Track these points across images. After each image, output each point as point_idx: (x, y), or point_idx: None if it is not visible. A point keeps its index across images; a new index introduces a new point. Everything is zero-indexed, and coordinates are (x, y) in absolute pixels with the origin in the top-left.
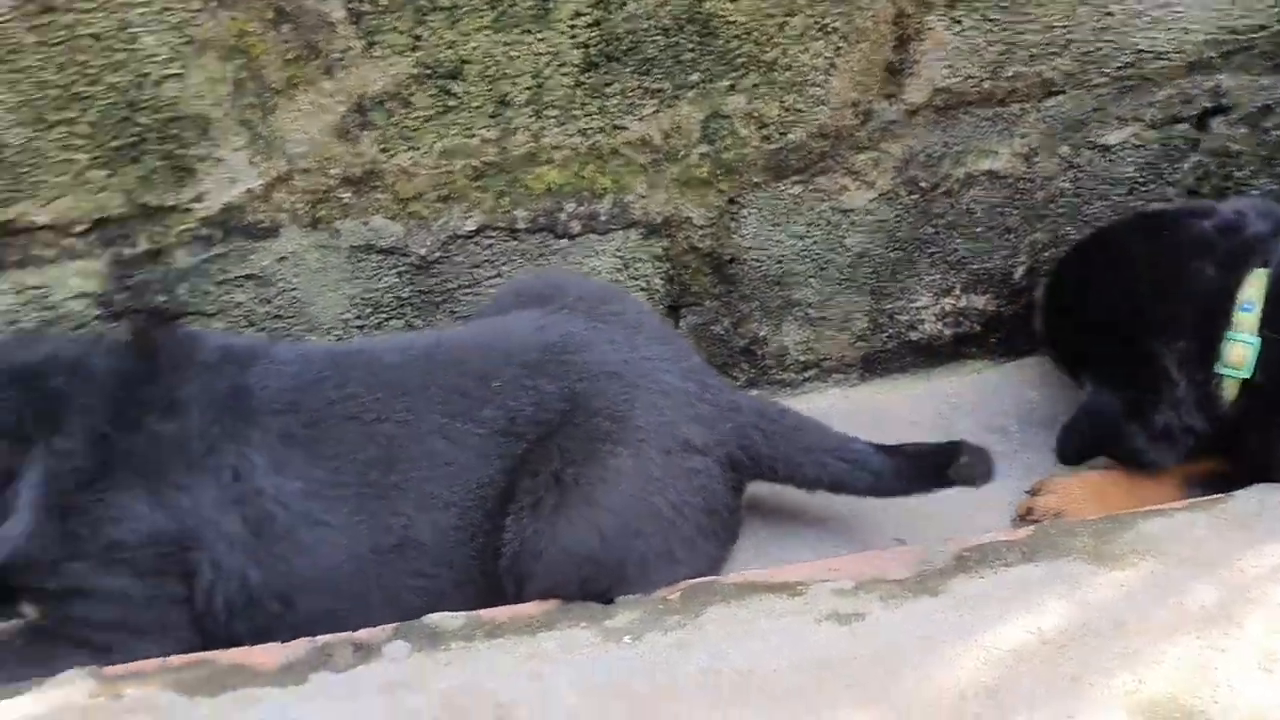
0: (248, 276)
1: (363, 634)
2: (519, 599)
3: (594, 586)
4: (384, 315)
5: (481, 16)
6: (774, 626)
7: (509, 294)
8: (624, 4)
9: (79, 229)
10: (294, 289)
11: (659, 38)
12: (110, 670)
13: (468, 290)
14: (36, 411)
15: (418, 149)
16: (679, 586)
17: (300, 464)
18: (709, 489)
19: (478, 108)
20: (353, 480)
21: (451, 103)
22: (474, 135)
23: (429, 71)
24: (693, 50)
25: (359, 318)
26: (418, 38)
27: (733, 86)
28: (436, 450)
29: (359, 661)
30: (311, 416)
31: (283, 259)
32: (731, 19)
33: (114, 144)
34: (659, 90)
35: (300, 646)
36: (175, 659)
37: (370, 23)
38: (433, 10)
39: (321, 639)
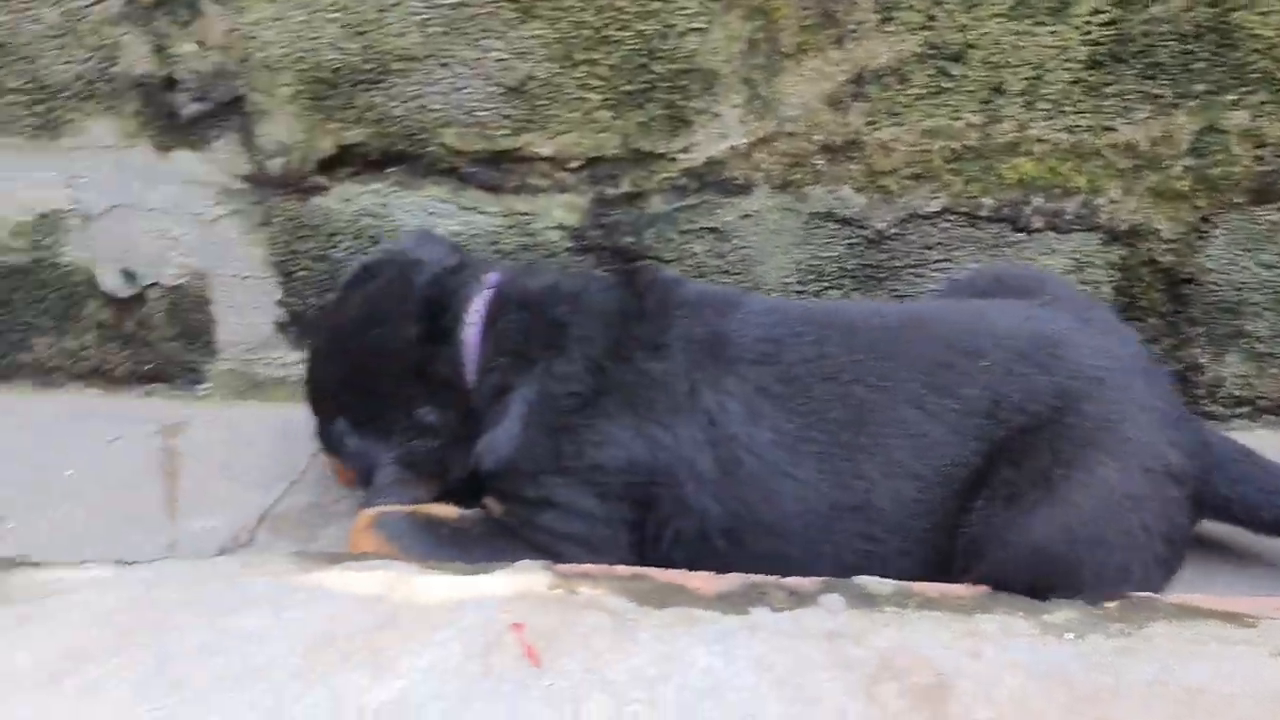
0: (710, 229)
1: (792, 581)
2: (963, 578)
3: (1043, 584)
4: (825, 283)
5: (998, 3)
6: (1225, 653)
7: (987, 278)
8: (1147, 5)
9: (574, 165)
10: (748, 247)
11: (1173, 43)
12: (562, 568)
13: (912, 270)
14: (540, 335)
15: (902, 125)
16: (1117, 597)
17: (773, 415)
18: (1175, 517)
19: (971, 92)
20: (822, 438)
21: (947, 84)
22: (960, 118)
23: (934, 51)
24: (1205, 60)
25: (800, 283)
26: (931, 18)
27: (1237, 101)
28: (909, 420)
29: (795, 605)
30: (787, 370)
31: (746, 216)
32: (1256, 32)
33: (626, 88)
34: (1158, 96)
35: (735, 580)
36: (619, 569)
37: None
38: None
39: (754, 578)
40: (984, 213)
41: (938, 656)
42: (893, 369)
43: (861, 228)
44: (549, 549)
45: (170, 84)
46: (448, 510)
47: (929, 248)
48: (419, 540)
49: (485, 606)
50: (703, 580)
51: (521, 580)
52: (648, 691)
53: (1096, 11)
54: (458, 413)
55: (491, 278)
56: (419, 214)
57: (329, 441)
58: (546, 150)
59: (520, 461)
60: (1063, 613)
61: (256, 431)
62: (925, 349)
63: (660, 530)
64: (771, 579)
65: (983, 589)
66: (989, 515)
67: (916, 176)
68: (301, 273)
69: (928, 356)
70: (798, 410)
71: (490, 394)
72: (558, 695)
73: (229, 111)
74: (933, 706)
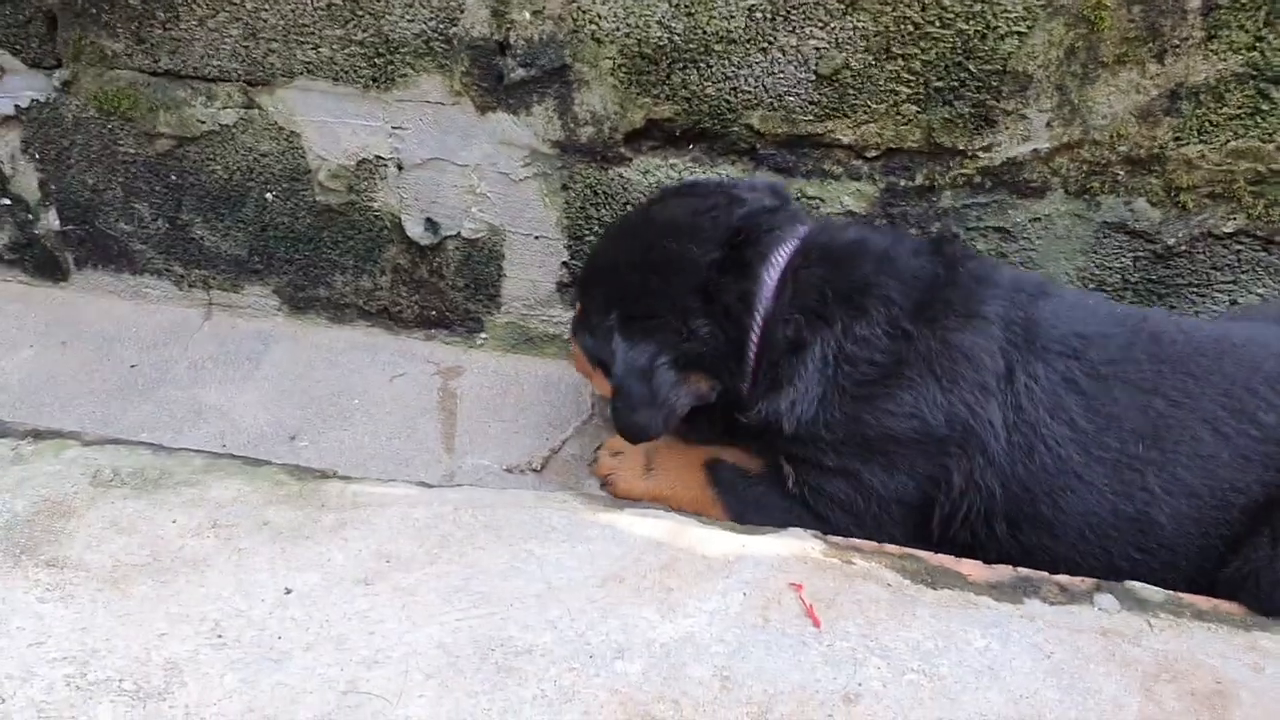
0: (998, 229)
1: (1063, 578)
2: None
3: None
4: (1106, 293)
5: None
6: None
7: None
8: None
9: (871, 154)
10: (1033, 249)
11: None
12: (834, 539)
13: (1196, 289)
14: (841, 293)
15: (1209, 144)
16: None
17: (1073, 411)
18: None
19: None
20: (1115, 444)
21: (1264, 106)
22: (1272, 141)
23: (1255, 73)
24: None
25: (1081, 290)
26: (1259, 39)
27: None
28: (1202, 439)
29: (1069, 601)
30: (1093, 368)
31: (1036, 219)
32: None
33: (937, 84)
34: None
35: (1005, 571)
36: (889, 546)
37: (1220, 16)
38: None
39: (1024, 571)
40: None
41: (1217, 665)
42: (1194, 386)
43: (1151, 241)
44: (825, 517)
45: (502, 48)
46: (754, 465)
47: (1217, 268)
48: (734, 495)
49: (762, 564)
50: (973, 568)
51: (795, 545)
52: (926, 663)
53: None
54: (730, 342)
55: (802, 228)
56: None
57: (591, 331)
58: (847, 138)
59: (822, 428)
60: None
61: (528, 382)
62: (1231, 370)
63: (947, 510)
64: (1042, 574)
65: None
66: (1271, 555)
67: (1214, 195)
68: (590, 237)
69: (1232, 378)
70: (1097, 411)
71: (783, 346)
72: (837, 655)
73: (552, 79)
74: (1213, 712)
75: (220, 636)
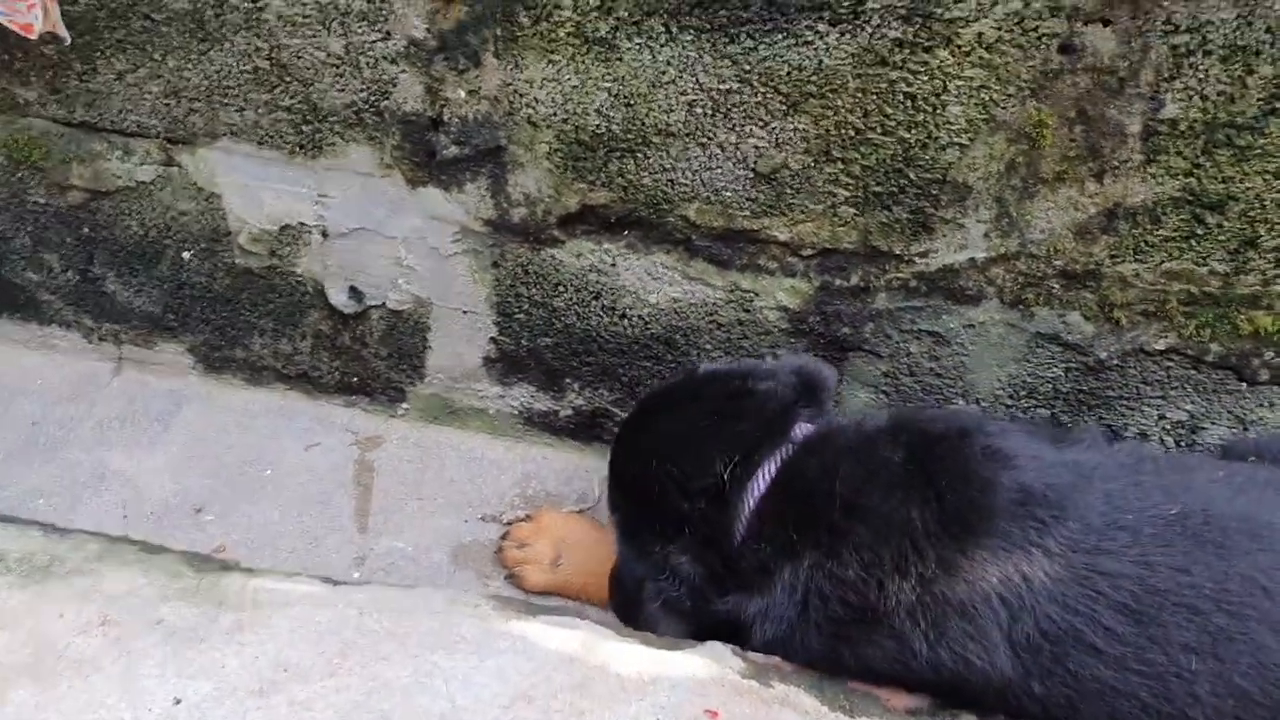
0: (930, 333)
1: None
2: None
3: None
4: (1035, 401)
5: (1273, 160)
6: None
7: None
8: None
9: (807, 253)
10: (965, 354)
11: None
12: (755, 657)
13: (1126, 402)
14: (807, 528)
15: (1144, 263)
16: None
17: (1110, 629)
18: None
19: (1221, 242)
20: (1162, 660)
21: (1199, 231)
22: (1205, 265)
23: (1191, 198)
24: None
25: (1011, 397)
26: (1197, 165)
27: None
28: (1266, 646)
29: None
30: (1141, 584)
31: (970, 326)
32: None
33: (875, 189)
34: None
35: (924, 700)
36: (810, 671)
37: (1159, 143)
38: (1225, 146)
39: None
40: (1209, 359)
41: None
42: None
43: (1083, 354)
44: None
45: (436, 124)
46: None
47: (1147, 383)
48: None
49: (678, 687)
50: (894, 694)
51: (714, 666)
52: None
53: None
54: (709, 573)
55: (798, 432)
56: (644, 277)
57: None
58: (783, 235)
59: (793, 647)
60: None
61: (450, 457)
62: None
63: None
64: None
65: None
66: None
67: (1147, 314)
68: (520, 315)
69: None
70: (1141, 628)
71: (752, 564)
72: None
73: (485, 159)
74: None
75: None
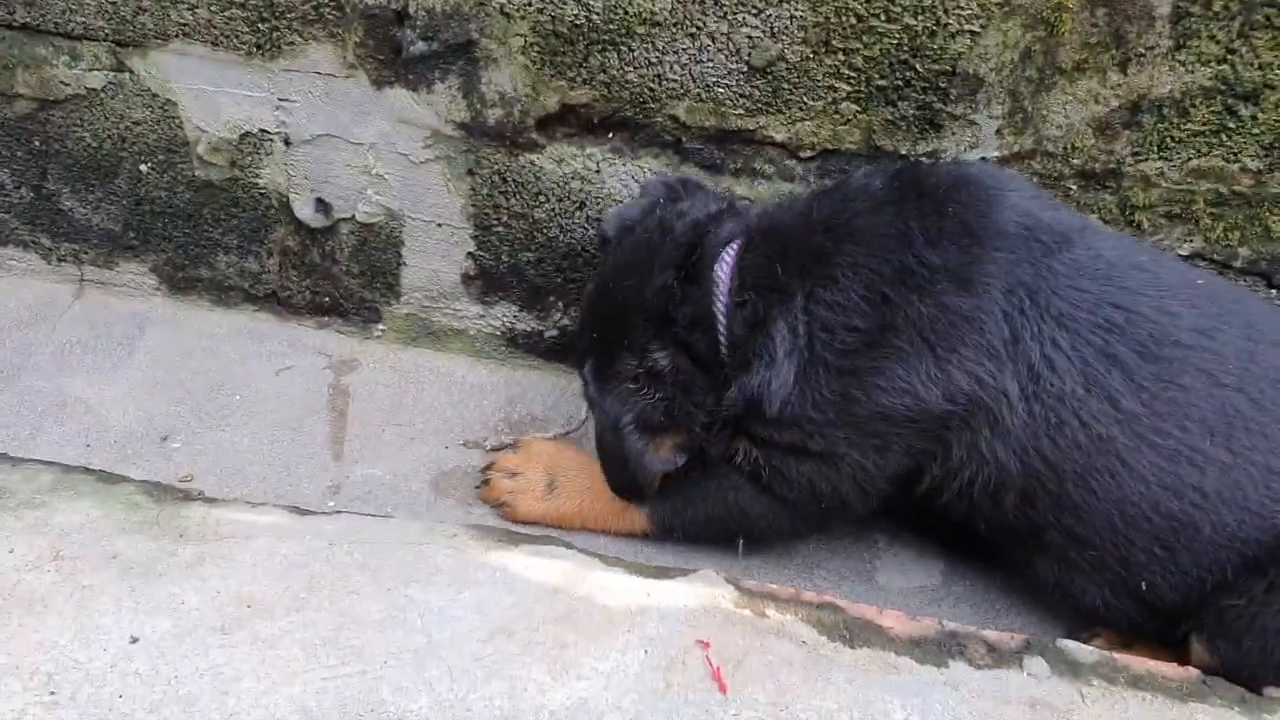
0: None
1: (992, 635)
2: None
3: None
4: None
5: None
6: None
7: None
8: None
9: (806, 154)
10: None
11: None
12: (749, 585)
13: None
14: (793, 263)
15: (1170, 161)
16: None
17: (1115, 389)
18: None
19: (1255, 135)
20: (1177, 433)
21: (1231, 124)
22: (1237, 162)
23: (1225, 87)
24: None
25: None
26: (1231, 50)
27: None
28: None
29: (995, 664)
30: (1145, 347)
31: None
32: None
33: (880, 82)
34: None
35: (930, 626)
36: (808, 595)
37: (1190, 25)
38: (1265, 28)
39: (951, 626)
40: (1238, 263)
41: None
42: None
43: None
44: (789, 501)
45: (400, 18)
46: None
47: None
48: (660, 494)
49: (668, 617)
50: (896, 620)
51: (705, 593)
52: None
53: None
54: (695, 359)
55: (753, 214)
56: (631, 184)
57: (585, 391)
58: (780, 136)
59: (810, 409)
60: None
61: (428, 381)
62: None
63: (944, 482)
64: (971, 630)
65: (1192, 672)
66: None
67: (1172, 216)
68: (499, 228)
69: None
70: (1154, 395)
71: (744, 330)
72: None
73: (456, 55)
74: None
75: (53, 694)
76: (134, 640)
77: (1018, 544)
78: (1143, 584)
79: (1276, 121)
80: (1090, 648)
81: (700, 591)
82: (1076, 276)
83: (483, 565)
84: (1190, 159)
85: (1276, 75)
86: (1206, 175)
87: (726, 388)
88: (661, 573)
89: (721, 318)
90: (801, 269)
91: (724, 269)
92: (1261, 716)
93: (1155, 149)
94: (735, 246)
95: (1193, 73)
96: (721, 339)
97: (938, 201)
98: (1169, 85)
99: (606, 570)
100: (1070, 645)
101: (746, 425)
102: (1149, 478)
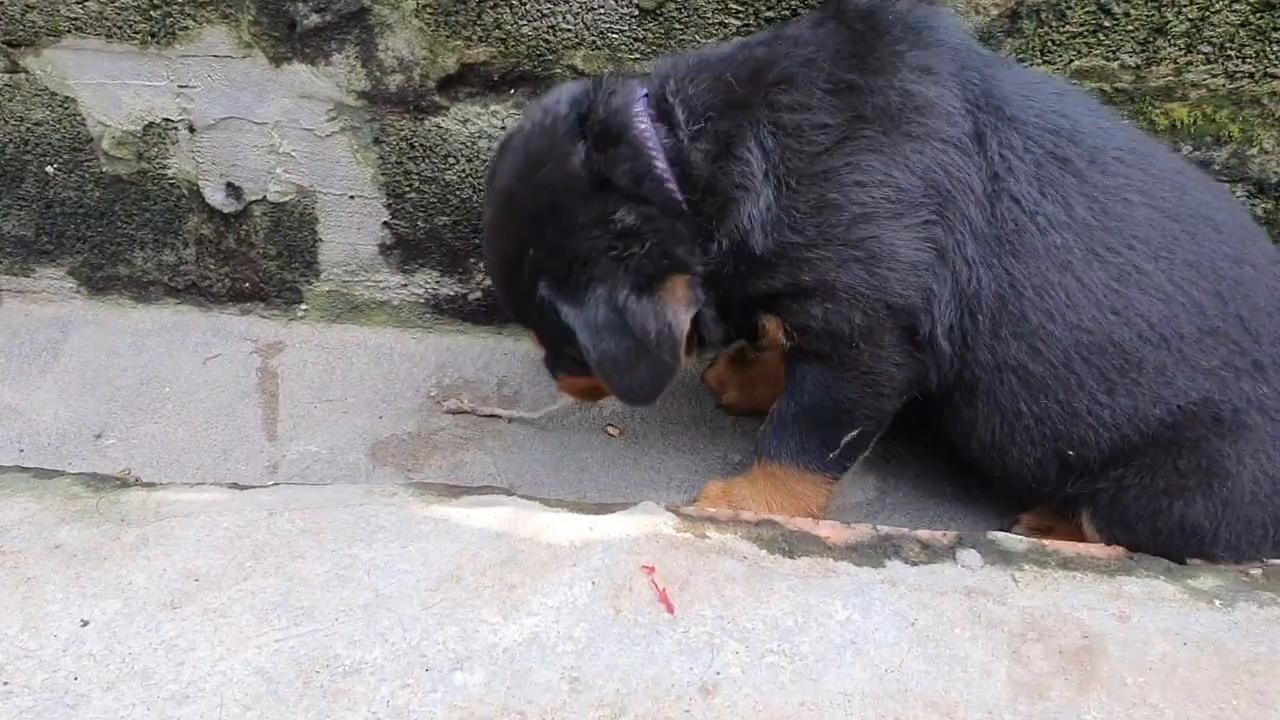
0: None
1: (925, 534)
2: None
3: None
4: None
5: None
6: None
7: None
8: None
9: None
10: None
11: None
12: (688, 510)
13: None
14: (744, 79)
15: (1053, 64)
16: (1256, 565)
17: (1069, 193)
18: None
19: (1130, 32)
20: (1124, 248)
21: (1106, 23)
22: (1116, 59)
23: None
24: None
25: None
26: None
27: None
28: (1203, 305)
29: (930, 560)
30: (1094, 156)
31: None
32: None
33: (768, 14)
34: None
35: (865, 532)
36: (745, 514)
37: None
38: None
39: (885, 529)
40: None
41: (1084, 618)
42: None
43: None
44: (843, 359)
45: None
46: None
47: None
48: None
49: (611, 548)
50: (832, 530)
51: (647, 521)
52: (786, 642)
53: None
54: (662, 208)
55: (659, 66)
56: None
57: (541, 328)
58: None
59: (788, 231)
60: (1206, 578)
61: (356, 355)
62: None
63: (938, 311)
64: (904, 531)
65: (1119, 550)
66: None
67: None
68: (411, 194)
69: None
70: (1103, 207)
71: (708, 162)
72: (693, 642)
73: (350, 24)
74: (1081, 668)
75: (6, 684)
76: (84, 623)
77: (969, 402)
78: (1072, 448)
79: (1148, 16)
80: (1020, 537)
81: (642, 521)
82: (1019, 84)
83: (425, 519)
84: (1072, 60)
85: None
86: (1090, 74)
87: (711, 241)
88: (604, 508)
89: (662, 164)
90: (754, 80)
91: (642, 120)
92: (1186, 581)
93: (1039, 53)
94: (642, 94)
95: None
96: (672, 187)
97: (877, 15)
98: None
99: (549, 511)
100: (1001, 536)
101: (747, 286)
102: (1101, 299)
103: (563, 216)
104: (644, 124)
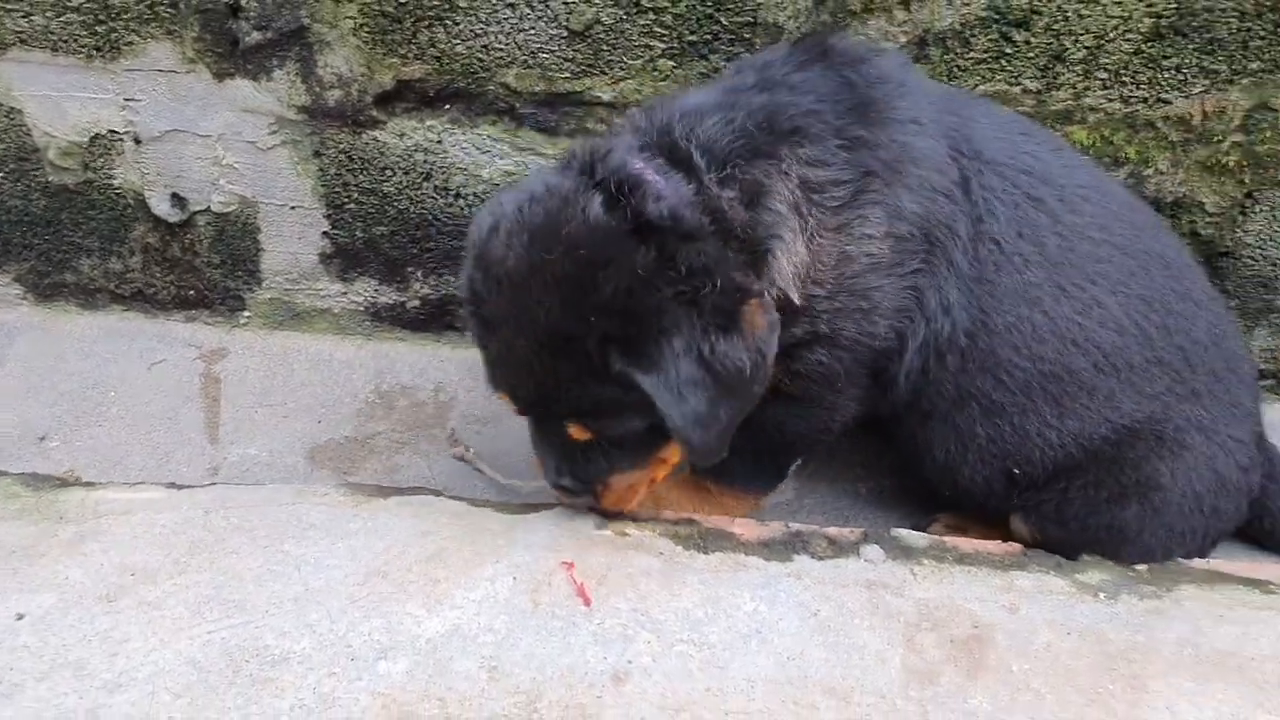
0: None
1: (833, 531)
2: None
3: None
4: None
5: None
6: (1253, 617)
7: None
8: None
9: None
10: None
11: (1234, 20)
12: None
13: None
14: (762, 125)
15: (961, 88)
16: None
17: (1043, 232)
18: (1239, 509)
19: (1031, 59)
20: (1089, 286)
21: (1008, 50)
22: (1018, 84)
23: (998, 16)
24: (1263, 38)
25: None
26: None
27: None
28: (1152, 339)
29: (836, 555)
30: (1062, 198)
31: None
32: None
33: (690, 38)
34: (1215, 72)
35: (777, 529)
36: (665, 513)
37: None
38: None
39: (796, 527)
40: None
41: (976, 609)
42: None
43: None
44: (817, 401)
45: (234, 11)
46: None
47: None
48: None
49: (533, 546)
50: (745, 527)
51: (568, 522)
52: (695, 632)
53: None
54: (714, 241)
55: (623, 124)
56: (473, 152)
57: (599, 407)
58: (606, 95)
59: (811, 289)
60: (1094, 573)
61: (297, 361)
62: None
63: (908, 357)
64: (814, 528)
65: (1015, 547)
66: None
67: None
68: (350, 205)
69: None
70: (1071, 246)
71: (741, 205)
72: (607, 633)
73: (290, 42)
74: (971, 656)
75: None
76: (19, 617)
77: (924, 425)
78: (1017, 466)
79: (1048, 44)
80: (921, 534)
81: (564, 521)
82: (990, 123)
83: (355, 517)
84: (977, 85)
85: (1041, 2)
86: (994, 98)
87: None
88: (528, 509)
89: (690, 202)
90: (770, 129)
91: (649, 171)
92: (1075, 576)
93: (946, 78)
94: (634, 144)
95: (969, 5)
96: (706, 219)
97: (851, 60)
98: (949, 19)
99: (475, 510)
100: (904, 533)
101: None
102: (1064, 331)
103: (615, 271)
104: (652, 171)
